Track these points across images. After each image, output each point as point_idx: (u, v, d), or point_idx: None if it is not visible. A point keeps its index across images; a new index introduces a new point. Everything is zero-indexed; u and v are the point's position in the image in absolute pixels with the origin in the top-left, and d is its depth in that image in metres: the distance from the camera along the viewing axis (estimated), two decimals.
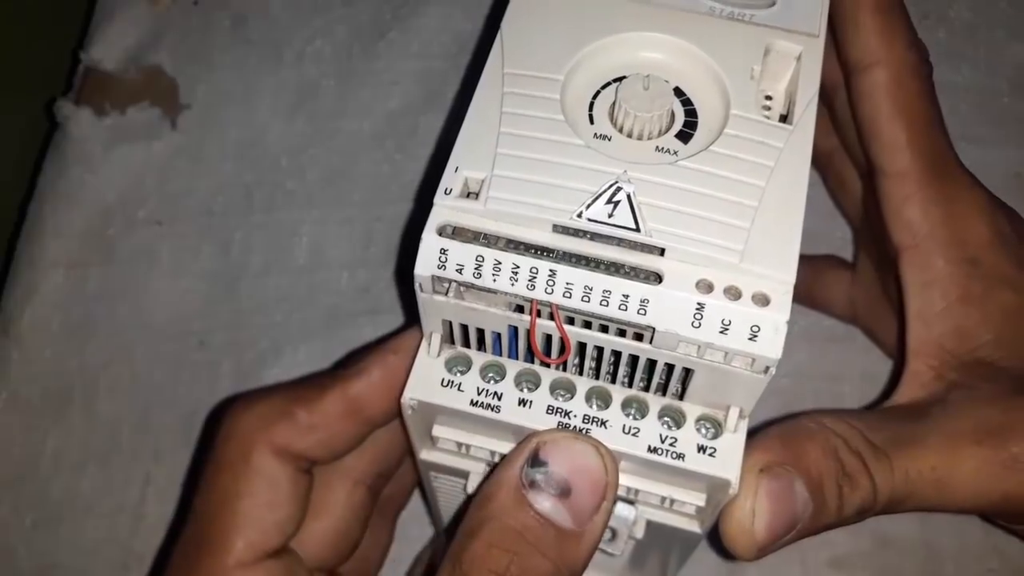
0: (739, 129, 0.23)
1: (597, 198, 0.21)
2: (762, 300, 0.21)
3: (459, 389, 0.23)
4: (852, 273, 0.36)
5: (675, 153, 0.23)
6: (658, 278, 0.21)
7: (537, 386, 0.23)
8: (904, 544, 0.35)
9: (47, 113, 0.45)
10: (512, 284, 0.21)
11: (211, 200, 0.43)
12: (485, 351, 0.24)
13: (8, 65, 0.46)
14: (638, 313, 0.21)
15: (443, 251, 0.21)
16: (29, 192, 0.44)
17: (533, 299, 0.21)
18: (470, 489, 0.26)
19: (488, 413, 0.23)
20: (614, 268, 0.21)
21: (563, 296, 0.21)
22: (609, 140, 0.23)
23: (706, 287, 0.21)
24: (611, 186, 0.21)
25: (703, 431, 0.23)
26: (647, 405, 0.23)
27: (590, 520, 0.22)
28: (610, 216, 0.21)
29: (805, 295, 0.38)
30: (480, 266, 0.21)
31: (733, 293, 0.21)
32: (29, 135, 0.47)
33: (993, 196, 0.29)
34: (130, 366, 0.40)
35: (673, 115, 0.23)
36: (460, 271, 0.21)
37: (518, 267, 0.21)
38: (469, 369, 0.24)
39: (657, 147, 0.23)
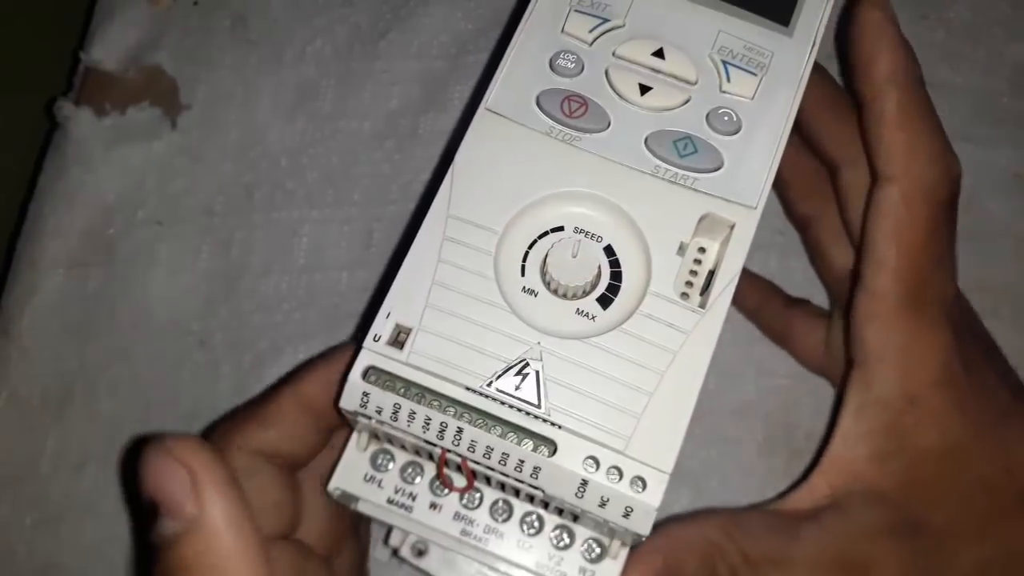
0: (653, 308, 0.25)
1: (508, 370, 0.24)
2: (640, 484, 0.23)
3: (379, 485, 0.27)
4: (826, 327, 0.35)
5: (593, 318, 0.25)
6: (552, 449, 0.23)
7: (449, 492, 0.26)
8: None
9: (47, 113, 0.45)
10: (424, 432, 0.24)
11: (211, 200, 0.43)
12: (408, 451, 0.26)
13: (8, 65, 0.46)
14: (531, 476, 0.24)
15: (365, 394, 0.24)
16: (29, 192, 0.44)
17: (442, 447, 0.24)
18: (393, 542, 0.28)
19: (401, 512, 0.26)
20: (516, 431, 0.23)
21: (467, 450, 0.24)
22: (535, 296, 0.25)
23: (593, 464, 0.23)
24: (521, 362, 0.24)
25: (588, 553, 0.26)
26: (544, 521, 0.27)
27: None
28: (517, 388, 0.24)
29: (778, 339, 0.38)
30: (397, 412, 0.24)
31: (616, 474, 0.23)
32: (29, 135, 0.47)
33: (962, 336, 0.29)
34: (130, 366, 0.40)
35: (600, 273, 0.25)
36: (379, 412, 0.24)
37: (430, 419, 0.24)
38: (393, 462, 0.27)
39: (578, 309, 0.25)
